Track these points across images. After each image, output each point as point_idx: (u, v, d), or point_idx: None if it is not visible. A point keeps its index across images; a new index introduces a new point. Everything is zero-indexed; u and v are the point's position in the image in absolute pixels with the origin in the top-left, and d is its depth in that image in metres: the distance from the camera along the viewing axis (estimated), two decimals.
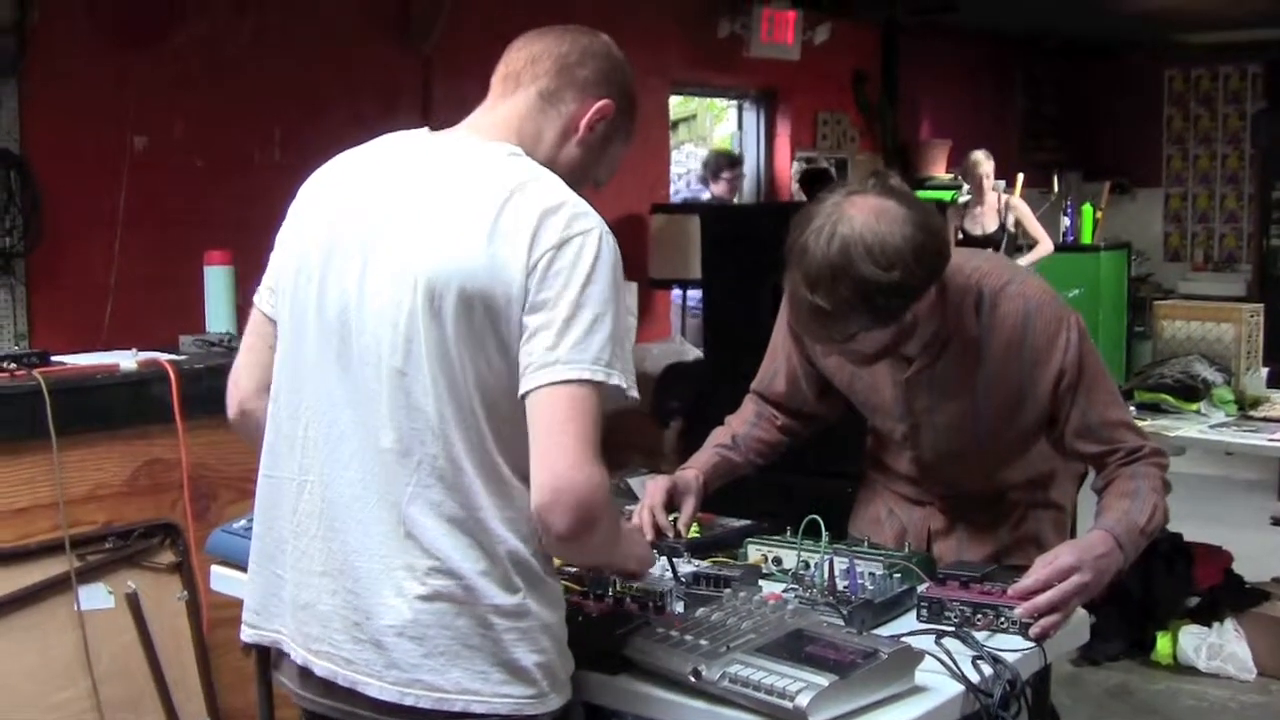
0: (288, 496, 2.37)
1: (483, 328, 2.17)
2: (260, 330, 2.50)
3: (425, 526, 2.20)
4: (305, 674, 2.36)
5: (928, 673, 2.32)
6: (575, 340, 2.14)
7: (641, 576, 2.60)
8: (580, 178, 2.39)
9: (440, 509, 2.19)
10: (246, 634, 2.49)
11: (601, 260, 2.18)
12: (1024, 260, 9.48)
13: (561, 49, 2.42)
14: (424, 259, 2.19)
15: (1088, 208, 11.85)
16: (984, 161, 9.92)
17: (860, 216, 2.61)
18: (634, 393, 2.21)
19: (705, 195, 10.16)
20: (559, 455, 2.12)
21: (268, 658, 2.51)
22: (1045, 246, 9.88)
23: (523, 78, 2.41)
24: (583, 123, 2.41)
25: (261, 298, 2.50)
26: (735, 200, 10.16)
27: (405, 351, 2.19)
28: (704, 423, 3.35)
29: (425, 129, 2.43)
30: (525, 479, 2.18)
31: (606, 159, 2.50)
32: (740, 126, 11.23)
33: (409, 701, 2.21)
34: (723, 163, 10.13)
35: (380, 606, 2.22)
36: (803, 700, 2.10)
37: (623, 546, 2.48)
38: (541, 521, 2.15)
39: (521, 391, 2.16)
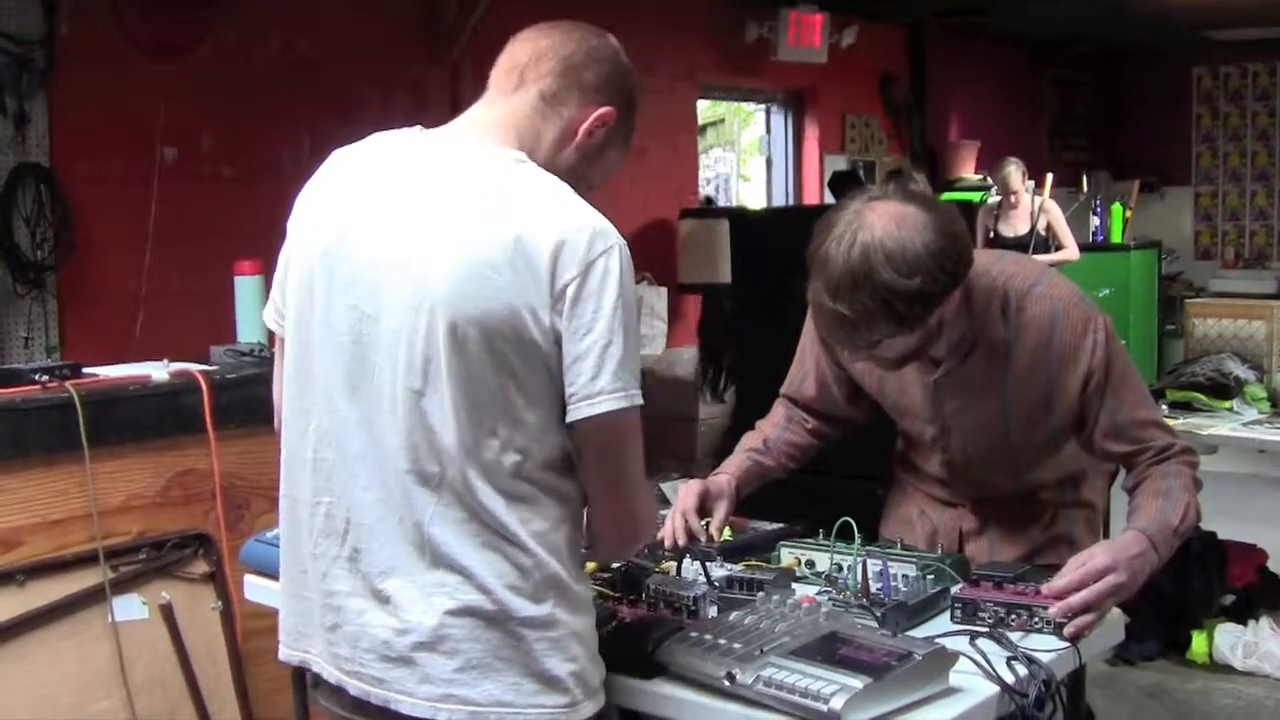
0: (304, 519, 2.36)
1: (509, 353, 2.14)
2: (280, 345, 2.49)
3: (450, 544, 2.19)
4: (341, 693, 2.35)
5: (962, 674, 2.32)
6: (615, 366, 2.15)
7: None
8: (574, 183, 2.31)
9: (463, 526, 2.18)
10: (283, 653, 2.49)
11: (625, 277, 2.18)
12: (1045, 260, 9.42)
13: (567, 49, 2.36)
14: (441, 287, 2.14)
15: (1117, 207, 11.82)
16: (1015, 174, 9.86)
17: (880, 223, 2.60)
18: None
19: None
20: (621, 489, 2.24)
21: (304, 672, 2.50)
22: (1070, 254, 9.81)
23: (526, 75, 2.36)
24: (582, 128, 2.36)
25: (268, 315, 2.48)
26: None
27: (423, 371, 2.17)
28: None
29: (418, 127, 2.38)
30: (550, 491, 2.20)
31: (602, 165, 2.45)
32: (768, 130, 11.22)
33: (443, 717, 2.20)
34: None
35: (409, 623, 2.21)
36: (837, 703, 2.10)
37: None
38: (605, 544, 2.29)
39: (569, 420, 2.17)
